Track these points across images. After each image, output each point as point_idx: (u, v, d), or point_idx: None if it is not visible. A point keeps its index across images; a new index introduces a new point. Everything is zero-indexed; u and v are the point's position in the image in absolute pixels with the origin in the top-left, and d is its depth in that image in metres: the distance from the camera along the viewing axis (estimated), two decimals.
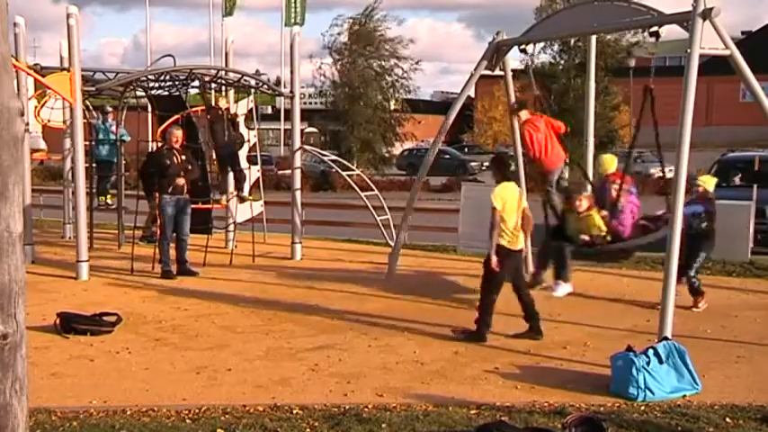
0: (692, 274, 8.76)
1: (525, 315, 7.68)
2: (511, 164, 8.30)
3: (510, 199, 7.61)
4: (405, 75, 35.26)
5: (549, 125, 9.80)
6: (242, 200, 12.67)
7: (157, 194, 10.95)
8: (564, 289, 9.24)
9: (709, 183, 9.14)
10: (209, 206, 12.71)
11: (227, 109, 12.48)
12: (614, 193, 8.92)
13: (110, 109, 14.21)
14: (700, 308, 8.75)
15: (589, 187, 9.74)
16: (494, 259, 7.46)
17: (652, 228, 8.91)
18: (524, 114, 9.92)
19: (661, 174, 9.79)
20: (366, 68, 34.23)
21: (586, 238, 8.89)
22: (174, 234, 10.91)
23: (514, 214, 7.60)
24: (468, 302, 9.25)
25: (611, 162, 9.61)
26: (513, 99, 10.96)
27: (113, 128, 13.78)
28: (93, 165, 13.41)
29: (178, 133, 11.01)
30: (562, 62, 30.98)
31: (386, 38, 34.43)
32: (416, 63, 35.41)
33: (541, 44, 26.38)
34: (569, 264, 9.27)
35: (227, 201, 12.74)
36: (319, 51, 34.79)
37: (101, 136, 13.90)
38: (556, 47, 30.74)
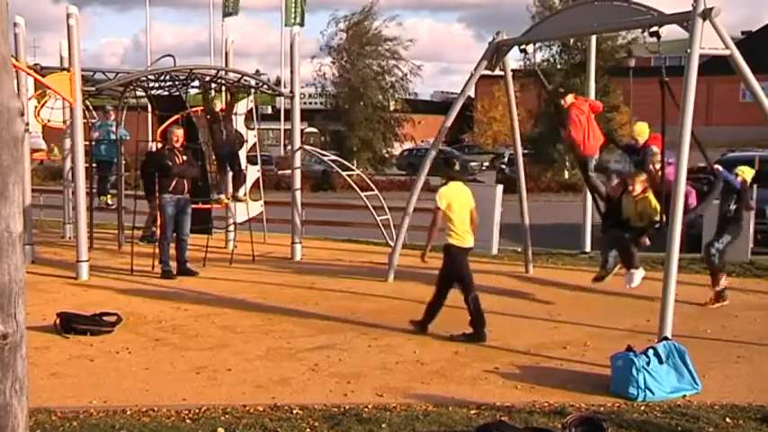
0: (713, 251, 8.97)
1: (471, 319, 7.62)
2: (457, 164, 8.32)
3: (456, 198, 7.69)
4: (404, 77, 35.31)
5: (591, 109, 9.75)
6: (237, 200, 12.65)
7: (158, 194, 10.95)
8: (638, 276, 8.85)
9: (747, 173, 9.25)
10: (209, 206, 12.71)
11: (222, 109, 12.48)
12: (656, 165, 8.75)
13: (110, 108, 14.22)
14: (714, 306, 8.85)
15: (631, 166, 9.51)
16: (447, 257, 7.76)
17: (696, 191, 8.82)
18: (570, 98, 9.87)
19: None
20: (365, 68, 34.23)
21: (645, 239, 8.67)
22: (175, 234, 10.91)
23: (462, 213, 7.68)
24: None
25: (644, 129, 9.41)
26: (513, 99, 10.96)
27: (113, 128, 13.77)
28: (93, 165, 13.41)
29: (179, 133, 11.02)
30: (561, 62, 30.95)
31: (384, 37, 34.45)
32: (418, 67, 35.48)
33: (541, 44, 26.36)
34: (633, 250, 8.89)
35: (227, 201, 12.74)
36: (320, 51, 34.63)
37: (101, 136, 13.91)
38: (555, 47, 30.70)
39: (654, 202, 8.64)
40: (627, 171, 9.45)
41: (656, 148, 8.90)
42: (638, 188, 8.70)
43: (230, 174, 12.58)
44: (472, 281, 7.76)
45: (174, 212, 10.78)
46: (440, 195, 7.69)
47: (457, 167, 8.17)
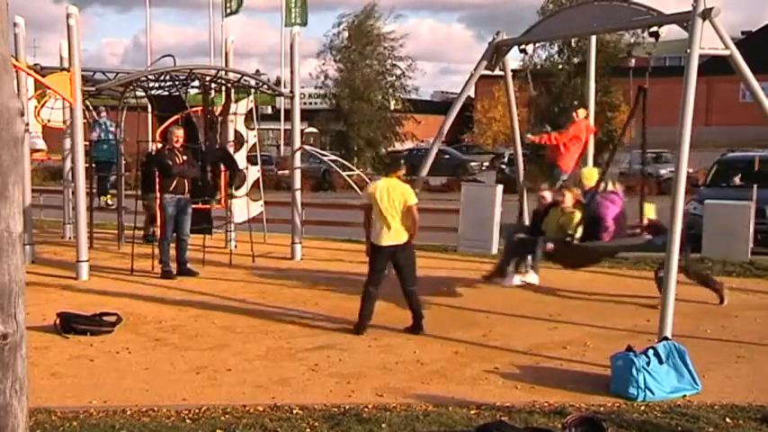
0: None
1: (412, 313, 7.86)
2: (399, 162, 8.46)
3: (377, 196, 7.79)
4: (403, 74, 35.32)
5: (589, 134, 9.97)
6: (231, 196, 12.66)
7: (158, 194, 10.94)
8: (513, 280, 9.14)
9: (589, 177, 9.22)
10: (209, 206, 12.71)
11: (221, 112, 12.49)
12: (596, 207, 8.82)
13: (102, 107, 14.21)
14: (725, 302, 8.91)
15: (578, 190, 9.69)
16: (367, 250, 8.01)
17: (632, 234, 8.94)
18: (582, 113, 9.99)
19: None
20: (366, 67, 34.24)
21: (550, 245, 8.85)
22: (175, 234, 10.91)
23: (379, 209, 7.77)
24: (469, 302, 9.27)
25: (592, 173, 9.46)
26: (513, 99, 10.95)
27: (112, 128, 13.78)
28: (93, 165, 13.41)
29: (179, 133, 11.02)
30: (561, 62, 30.94)
31: (382, 35, 34.47)
32: (413, 62, 35.50)
33: (540, 44, 26.37)
34: (536, 257, 9.15)
35: (220, 201, 12.76)
36: (323, 52, 34.60)
37: (98, 136, 13.90)
38: (555, 47, 30.71)
39: (577, 219, 8.78)
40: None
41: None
42: (569, 200, 8.89)
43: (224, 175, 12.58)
44: (374, 279, 7.95)
45: (175, 212, 10.78)
46: (364, 192, 8.05)
47: (389, 162, 8.36)
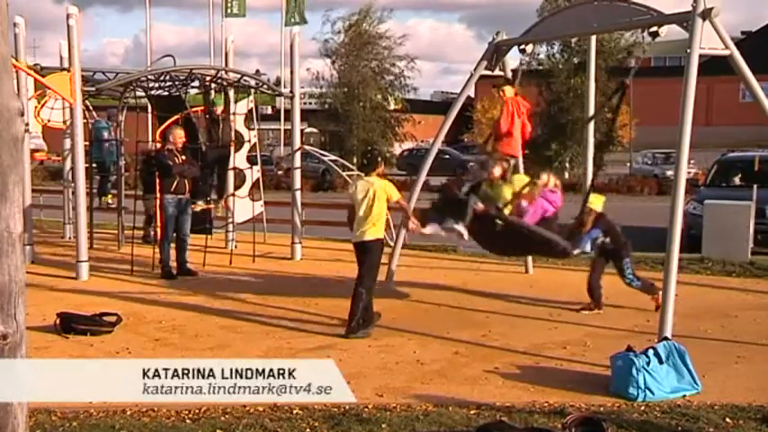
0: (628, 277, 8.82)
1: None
2: (374, 159, 8.55)
3: (354, 193, 8.14)
4: (401, 74, 35.32)
5: (527, 113, 9.59)
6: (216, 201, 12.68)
7: (159, 194, 10.95)
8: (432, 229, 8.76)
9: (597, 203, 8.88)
10: (211, 206, 12.73)
11: (222, 112, 12.49)
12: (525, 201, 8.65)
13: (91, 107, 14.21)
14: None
15: (509, 161, 9.36)
16: None
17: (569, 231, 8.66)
18: (510, 91, 9.52)
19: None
20: (363, 68, 34.24)
21: (480, 205, 8.49)
22: (175, 234, 10.91)
23: (357, 208, 8.04)
24: (469, 302, 9.27)
25: (521, 182, 9.08)
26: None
27: (108, 128, 13.80)
28: (94, 165, 13.41)
29: (180, 133, 11.02)
30: (561, 62, 30.93)
31: (379, 35, 34.50)
32: (411, 60, 35.50)
33: (540, 44, 26.38)
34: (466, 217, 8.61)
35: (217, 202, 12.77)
36: (318, 53, 34.65)
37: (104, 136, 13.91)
38: (556, 47, 30.70)
39: (507, 191, 8.57)
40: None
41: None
42: (497, 172, 8.69)
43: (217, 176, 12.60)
44: (361, 274, 8.07)
45: (176, 213, 10.78)
46: None
47: (366, 162, 8.36)
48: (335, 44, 34.47)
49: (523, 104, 9.66)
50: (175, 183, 10.72)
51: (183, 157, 10.89)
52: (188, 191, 10.92)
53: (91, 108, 13.94)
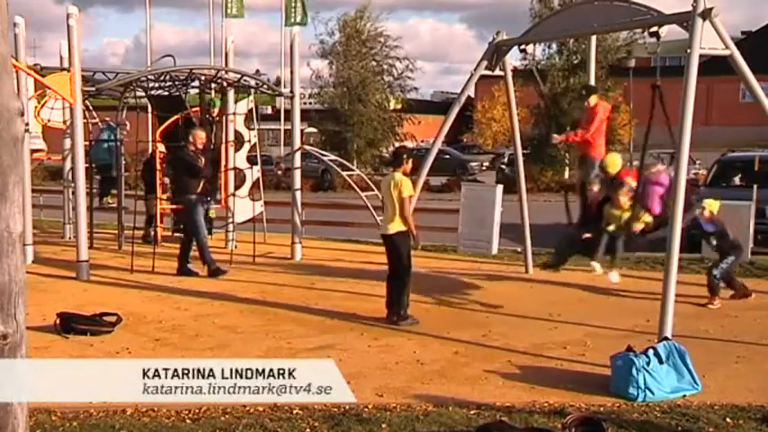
0: (715, 273, 9.07)
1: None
2: (399, 156, 8.44)
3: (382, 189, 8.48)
4: (401, 74, 35.32)
5: (607, 114, 9.81)
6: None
7: (182, 195, 10.95)
8: (613, 276, 9.00)
9: (713, 206, 9.27)
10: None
11: (218, 113, 12.51)
12: (622, 197, 8.73)
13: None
14: (715, 305, 8.92)
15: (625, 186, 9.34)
16: None
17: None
18: (593, 99, 9.76)
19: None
20: (362, 68, 34.22)
21: (639, 227, 8.65)
22: (183, 234, 10.95)
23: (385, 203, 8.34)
24: (469, 302, 9.27)
25: (615, 160, 9.35)
26: (513, 99, 10.93)
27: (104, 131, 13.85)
28: (94, 167, 13.42)
29: (202, 135, 11.15)
30: (560, 62, 30.93)
31: (380, 33, 34.49)
32: (412, 62, 35.50)
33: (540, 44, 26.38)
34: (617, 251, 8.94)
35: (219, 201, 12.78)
36: (315, 53, 34.58)
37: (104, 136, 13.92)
38: (554, 46, 30.70)
39: (641, 211, 8.61)
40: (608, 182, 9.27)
41: (630, 180, 8.79)
42: (624, 200, 8.68)
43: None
44: (392, 267, 8.41)
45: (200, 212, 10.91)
46: None
47: (392, 157, 8.63)
48: (331, 44, 34.48)
49: (607, 110, 9.88)
50: (201, 184, 10.82)
51: (202, 159, 10.97)
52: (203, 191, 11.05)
53: (91, 108, 13.95)
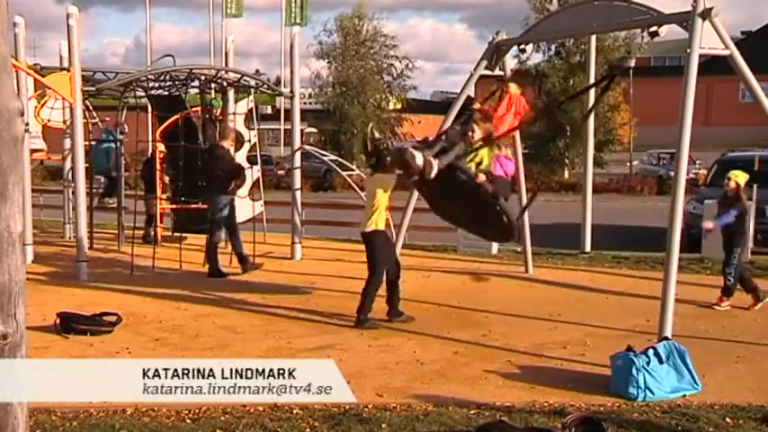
0: (728, 270, 8.94)
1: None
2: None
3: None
4: (400, 74, 35.31)
5: (524, 112, 9.41)
6: None
7: (216, 194, 10.95)
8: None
9: (740, 177, 9.15)
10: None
11: (219, 114, 12.51)
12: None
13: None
14: (721, 307, 8.85)
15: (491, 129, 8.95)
16: None
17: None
18: (514, 88, 9.31)
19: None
20: (362, 68, 34.21)
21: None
22: (209, 234, 10.99)
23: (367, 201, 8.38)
24: (469, 302, 9.27)
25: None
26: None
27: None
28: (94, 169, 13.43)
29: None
30: (559, 63, 30.93)
31: (380, 33, 34.50)
32: (411, 62, 35.50)
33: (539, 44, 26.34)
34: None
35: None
36: (314, 54, 34.53)
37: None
38: (552, 48, 30.69)
39: (485, 154, 8.32)
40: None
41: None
42: (478, 134, 8.38)
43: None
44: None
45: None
46: None
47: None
48: (329, 45, 34.48)
49: (524, 105, 9.59)
50: (235, 184, 10.93)
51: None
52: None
53: (91, 108, 13.95)
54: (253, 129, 13.55)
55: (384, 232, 8.36)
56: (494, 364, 6.79)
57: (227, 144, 11.06)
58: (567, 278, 10.65)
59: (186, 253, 11.67)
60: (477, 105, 9.66)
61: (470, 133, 8.52)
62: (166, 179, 13.23)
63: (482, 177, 8.21)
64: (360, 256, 12.43)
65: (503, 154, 8.67)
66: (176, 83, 12.46)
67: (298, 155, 12.68)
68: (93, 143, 13.44)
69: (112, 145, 13.75)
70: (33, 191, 13.77)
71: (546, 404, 5.73)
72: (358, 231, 14.35)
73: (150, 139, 13.66)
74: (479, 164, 8.37)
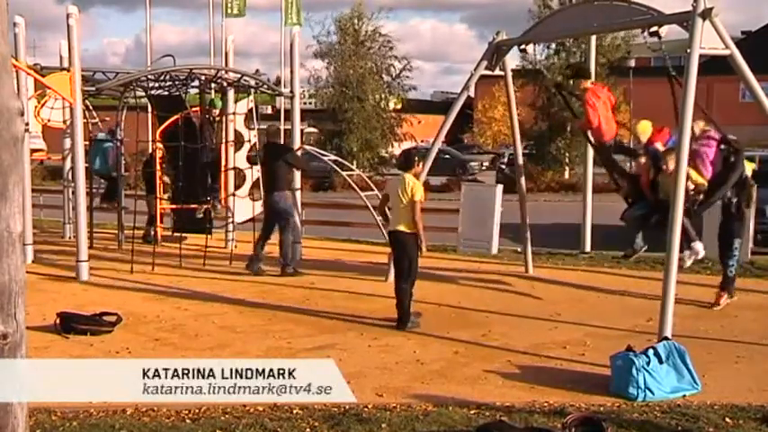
0: (731, 262, 8.89)
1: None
2: (411, 158, 8.39)
3: (390, 187, 8.53)
4: (399, 74, 35.30)
5: (609, 96, 9.49)
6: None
7: (285, 190, 11.04)
8: (694, 254, 8.62)
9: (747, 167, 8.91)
10: (209, 206, 12.76)
11: (219, 114, 12.52)
12: (670, 164, 8.30)
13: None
14: (721, 305, 8.84)
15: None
16: None
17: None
18: (588, 83, 9.47)
19: None
20: (361, 68, 34.19)
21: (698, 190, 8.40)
22: (281, 230, 11.04)
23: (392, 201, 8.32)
24: (469, 302, 9.27)
25: (646, 127, 9.05)
26: (513, 99, 10.90)
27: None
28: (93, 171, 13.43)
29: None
30: (560, 62, 30.92)
31: (379, 33, 34.48)
32: (409, 62, 35.49)
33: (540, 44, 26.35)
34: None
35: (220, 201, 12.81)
36: (313, 54, 34.46)
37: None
38: (552, 46, 30.68)
39: (693, 172, 8.22)
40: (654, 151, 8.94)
41: (659, 145, 8.75)
42: (672, 165, 8.13)
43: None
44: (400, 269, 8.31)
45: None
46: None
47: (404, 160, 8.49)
48: (328, 45, 34.45)
49: (599, 89, 9.52)
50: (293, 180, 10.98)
51: None
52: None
53: (91, 108, 13.95)
54: (253, 129, 13.55)
55: (415, 235, 8.15)
56: (494, 364, 6.79)
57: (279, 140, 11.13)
58: (567, 278, 10.65)
59: (186, 253, 11.68)
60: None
61: (666, 166, 8.46)
62: (167, 179, 13.24)
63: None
64: (360, 255, 12.49)
65: (703, 132, 8.47)
66: (176, 83, 12.46)
67: (299, 153, 12.67)
68: (92, 144, 13.45)
69: (109, 145, 13.76)
70: (33, 191, 13.76)
71: (546, 404, 5.73)
72: (358, 231, 14.42)
73: (150, 138, 13.66)
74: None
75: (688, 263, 8.62)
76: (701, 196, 8.49)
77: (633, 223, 9.21)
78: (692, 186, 8.26)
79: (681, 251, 7.65)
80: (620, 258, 9.64)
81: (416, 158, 8.38)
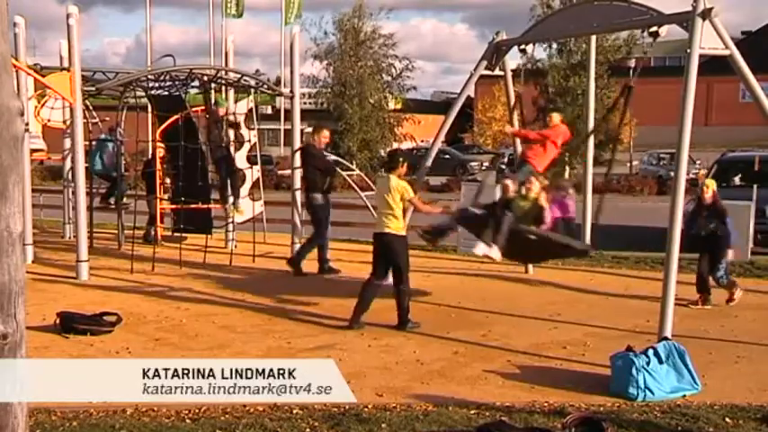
0: (719, 274, 9.03)
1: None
2: (395, 159, 8.36)
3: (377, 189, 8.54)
4: (399, 74, 35.29)
5: (564, 140, 9.71)
6: (235, 208, 12.59)
7: (311, 192, 10.95)
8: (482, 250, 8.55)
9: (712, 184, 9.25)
10: (209, 206, 12.75)
11: (225, 113, 12.49)
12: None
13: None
14: (735, 300, 9.01)
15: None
16: None
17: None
18: (557, 118, 9.70)
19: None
20: (361, 68, 34.19)
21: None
22: (315, 233, 11.04)
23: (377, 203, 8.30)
24: (469, 302, 9.27)
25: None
26: (513, 99, 10.90)
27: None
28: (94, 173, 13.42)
29: (327, 134, 11.39)
30: (559, 62, 30.91)
31: (378, 34, 34.50)
32: (410, 62, 35.49)
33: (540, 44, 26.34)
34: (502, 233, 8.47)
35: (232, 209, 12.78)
36: (312, 55, 34.36)
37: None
38: (554, 46, 30.67)
39: (543, 200, 8.54)
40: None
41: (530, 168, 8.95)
42: (535, 188, 8.58)
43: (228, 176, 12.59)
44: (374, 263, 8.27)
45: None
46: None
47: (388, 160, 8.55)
48: (327, 45, 34.45)
49: (566, 135, 9.69)
50: (327, 183, 10.93)
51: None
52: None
53: (91, 108, 13.94)
54: (253, 129, 13.54)
55: (404, 237, 8.11)
56: (494, 364, 6.79)
57: (321, 144, 11.08)
58: (567, 278, 10.65)
59: (186, 253, 11.67)
60: (509, 129, 10.04)
61: (528, 186, 8.65)
62: (167, 180, 13.24)
63: (546, 225, 8.46)
64: (360, 255, 12.45)
65: (559, 196, 8.79)
66: (176, 83, 12.46)
67: (298, 155, 12.66)
68: (92, 145, 13.44)
69: (108, 145, 13.75)
70: (33, 191, 13.77)
71: (546, 404, 5.73)
72: (358, 231, 14.42)
73: (150, 138, 13.66)
74: (538, 214, 8.50)
75: (476, 250, 8.55)
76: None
77: (462, 220, 9.47)
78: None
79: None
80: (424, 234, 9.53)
81: (401, 159, 8.29)
